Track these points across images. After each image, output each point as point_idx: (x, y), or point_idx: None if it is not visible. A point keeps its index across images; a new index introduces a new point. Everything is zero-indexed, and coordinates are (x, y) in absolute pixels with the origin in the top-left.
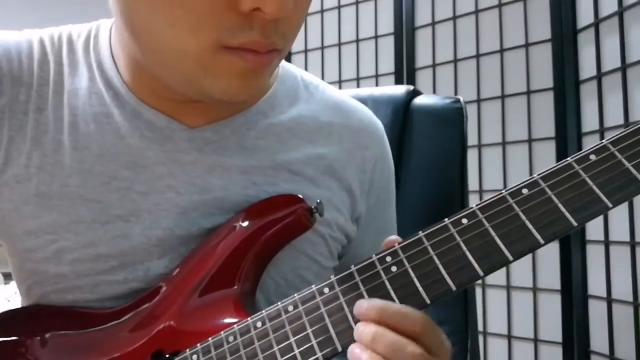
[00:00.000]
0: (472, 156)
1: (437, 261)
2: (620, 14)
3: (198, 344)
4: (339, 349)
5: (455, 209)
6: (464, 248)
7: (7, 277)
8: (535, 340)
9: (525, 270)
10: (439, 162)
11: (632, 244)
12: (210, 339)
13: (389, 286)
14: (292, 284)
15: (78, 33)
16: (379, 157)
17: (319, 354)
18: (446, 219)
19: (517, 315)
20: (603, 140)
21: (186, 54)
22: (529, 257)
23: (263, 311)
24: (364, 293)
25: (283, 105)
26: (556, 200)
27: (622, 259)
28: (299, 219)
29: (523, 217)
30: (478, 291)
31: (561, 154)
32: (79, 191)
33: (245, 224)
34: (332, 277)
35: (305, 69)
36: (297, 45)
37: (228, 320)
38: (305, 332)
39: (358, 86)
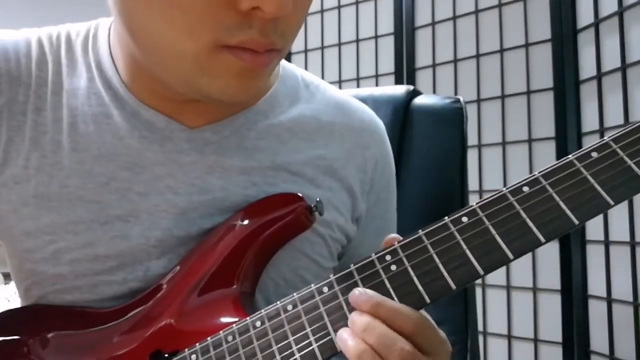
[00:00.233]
0: (472, 156)
1: (436, 260)
2: (620, 14)
3: (197, 344)
4: (338, 348)
5: (455, 209)
6: (464, 246)
7: (7, 277)
8: (535, 340)
9: (525, 270)
10: (439, 162)
11: (632, 244)
12: (209, 338)
13: (388, 285)
14: (292, 284)
15: (77, 32)
16: (379, 157)
17: (318, 353)
18: (446, 217)
19: (517, 315)
20: (605, 138)
21: (184, 54)
22: (529, 257)
23: (262, 310)
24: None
25: (283, 106)
26: (557, 198)
27: (622, 259)
28: (298, 217)
29: (524, 215)
30: (478, 291)
31: (561, 154)
32: (78, 192)
33: (245, 223)
34: (331, 276)
35: (305, 69)
36: (297, 45)
37: (227, 319)
38: (304, 332)
39: (358, 86)
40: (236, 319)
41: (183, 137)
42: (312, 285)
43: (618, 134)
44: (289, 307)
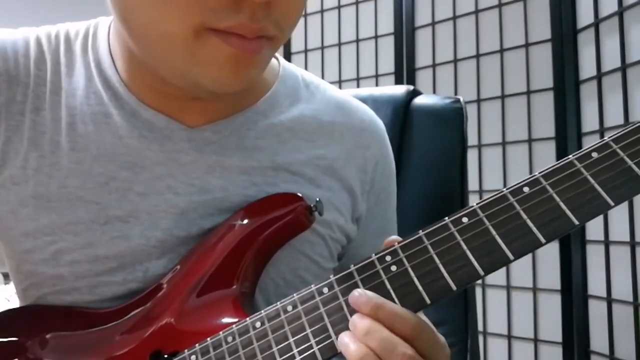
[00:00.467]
0: (472, 156)
1: (437, 260)
2: (620, 14)
3: (196, 345)
4: (339, 349)
5: (455, 209)
6: (464, 247)
7: (7, 277)
8: (535, 340)
9: (525, 270)
10: (439, 162)
11: (632, 244)
12: (208, 339)
13: (388, 286)
14: (292, 285)
15: (76, 31)
16: (380, 157)
17: (318, 354)
18: (446, 217)
19: (517, 315)
20: (605, 138)
21: (173, 38)
22: (529, 257)
23: (262, 311)
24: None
25: (283, 105)
26: (557, 199)
27: (622, 259)
28: (298, 217)
29: (524, 215)
30: (478, 291)
31: (561, 154)
32: (78, 192)
33: (244, 222)
34: (331, 276)
35: (305, 69)
36: (297, 45)
37: (227, 320)
38: (304, 333)
39: (358, 86)
40: (236, 320)
41: (183, 136)
42: (312, 285)
43: (618, 134)
44: (289, 308)
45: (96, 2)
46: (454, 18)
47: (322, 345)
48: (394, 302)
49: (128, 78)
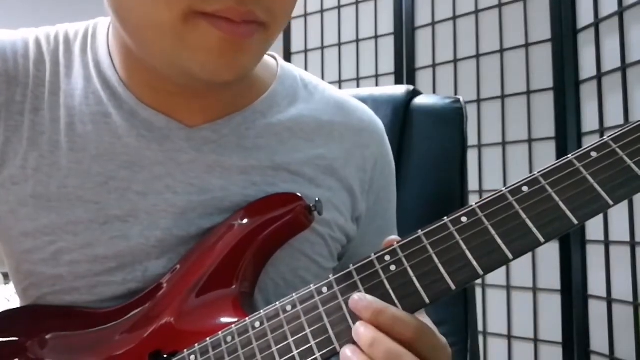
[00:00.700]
0: (472, 156)
1: (436, 260)
2: (620, 14)
3: (196, 344)
4: (338, 349)
5: (455, 209)
6: (464, 247)
7: (7, 277)
8: (535, 340)
9: (525, 270)
10: (439, 162)
11: (632, 244)
12: (208, 339)
13: (387, 285)
14: (292, 285)
15: (75, 32)
16: (379, 157)
17: (318, 354)
18: (445, 217)
19: (517, 315)
20: (604, 137)
21: (162, 26)
22: (528, 257)
23: (261, 311)
24: (363, 292)
25: (282, 105)
26: (557, 198)
27: (622, 259)
28: (297, 217)
29: (523, 215)
30: (478, 291)
31: (561, 154)
32: (77, 192)
33: (243, 222)
34: (330, 276)
35: (305, 69)
36: (297, 45)
37: (226, 320)
38: (303, 332)
39: (358, 86)
40: (235, 320)
41: (182, 135)
42: (311, 285)
43: (617, 134)
44: (288, 308)
45: (96, 2)
46: (454, 18)
47: (321, 345)
48: (393, 301)
49: (126, 77)
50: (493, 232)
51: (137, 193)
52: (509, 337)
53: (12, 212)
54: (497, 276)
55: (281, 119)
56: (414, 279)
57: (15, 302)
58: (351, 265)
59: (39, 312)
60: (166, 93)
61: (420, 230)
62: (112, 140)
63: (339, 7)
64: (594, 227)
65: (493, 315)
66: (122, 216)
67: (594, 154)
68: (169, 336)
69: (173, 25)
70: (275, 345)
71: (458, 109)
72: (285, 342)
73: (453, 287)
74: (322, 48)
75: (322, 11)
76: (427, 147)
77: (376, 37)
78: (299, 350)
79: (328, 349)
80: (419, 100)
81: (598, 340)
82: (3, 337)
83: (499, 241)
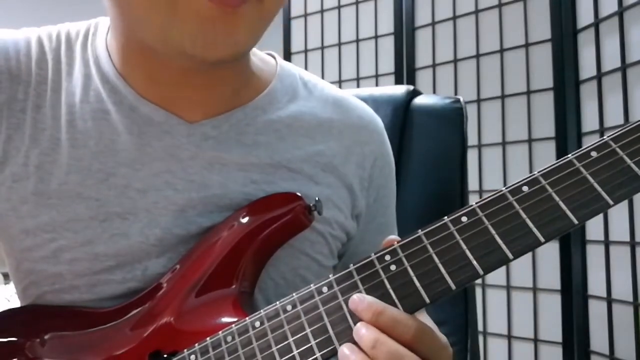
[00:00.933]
0: (472, 156)
1: (436, 260)
2: (620, 14)
3: (196, 344)
4: (338, 349)
5: (455, 209)
6: (464, 246)
7: (7, 277)
8: (535, 340)
9: (525, 270)
10: (439, 162)
11: (632, 244)
12: (208, 338)
13: (388, 285)
14: (292, 284)
15: (77, 31)
16: (378, 154)
17: (318, 354)
18: (445, 217)
19: (517, 315)
20: (604, 137)
21: None
22: (528, 257)
23: (261, 311)
24: (363, 292)
25: (281, 102)
26: (557, 198)
27: (622, 259)
28: (297, 216)
29: (523, 215)
30: (478, 291)
31: (561, 154)
32: (77, 189)
33: (243, 222)
34: (330, 276)
35: (305, 69)
36: (297, 45)
37: (226, 319)
38: (304, 332)
39: (358, 86)
40: (235, 319)
41: (182, 131)
42: (311, 285)
43: (617, 133)
44: (289, 308)
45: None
46: (454, 18)
47: (321, 344)
48: (393, 301)
49: (126, 72)
50: (493, 231)
51: (137, 190)
52: (509, 337)
53: (13, 209)
54: (497, 276)
55: (281, 115)
56: (414, 278)
57: (15, 302)
58: (351, 264)
59: (38, 312)
60: (165, 85)
61: (420, 230)
62: (112, 136)
63: (339, 7)
64: (594, 227)
65: (493, 315)
66: (122, 213)
67: (594, 154)
68: (169, 336)
69: None
70: (276, 345)
71: (458, 109)
72: (286, 342)
73: (453, 286)
74: (322, 48)
75: (322, 11)
76: (427, 147)
77: (376, 37)
78: (299, 350)
79: (328, 348)
80: (419, 100)
81: (598, 340)
82: (3, 337)
83: (499, 241)
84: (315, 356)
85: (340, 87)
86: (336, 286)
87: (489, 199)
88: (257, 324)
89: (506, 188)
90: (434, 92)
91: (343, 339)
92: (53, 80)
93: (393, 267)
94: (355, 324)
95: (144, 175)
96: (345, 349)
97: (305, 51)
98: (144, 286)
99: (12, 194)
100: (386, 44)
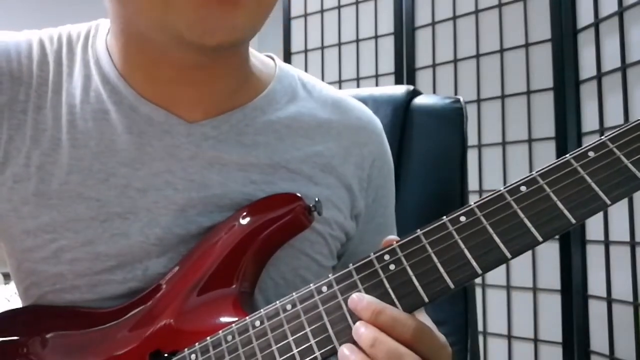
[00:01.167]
0: (472, 156)
1: (435, 259)
2: (620, 14)
3: (196, 344)
4: (337, 348)
5: (455, 209)
6: (462, 246)
7: (7, 277)
8: (535, 340)
9: (525, 270)
10: (439, 162)
11: (632, 244)
12: (208, 338)
13: (387, 285)
14: (292, 284)
15: (77, 33)
16: (377, 155)
17: (318, 353)
18: (444, 216)
19: (517, 315)
20: (602, 137)
21: None
22: (529, 256)
23: (261, 310)
24: (362, 292)
25: (281, 103)
26: (554, 198)
27: (622, 259)
28: (297, 217)
29: (521, 214)
30: (478, 291)
31: (561, 153)
32: (78, 189)
33: (244, 222)
34: (330, 275)
35: (305, 69)
36: (297, 45)
37: (226, 319)
38: (303, 331)
39: (358, 86)
40: (235, 319)
41: (182, 131)
42: (311, 284)
43: (615, 133)
44: (288, 307)
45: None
46: (454, 18)
47: (321, 344)
48: (392, 300)
49: (126, 71)
50: (491, 231)
51: (137, 190)
52: (509, 337)
53: (14, 210)
54: (497, 276)
55: (280, 116)
56: (413, 278)
57: (15, 302)
58: (350, 264)
59: (39, 312)
60: (165, 83)
61: (419, 230)
62: (112, 136)
63: (339, 7)
64: (594, 227)
65: (493, 315)
66: (122, 213)
67: (591, 154)
68: (170, 336)
69: None
70: (275, 344)
71: (458, 109)
72: (285, 341)
73: (452, 286)
74: (322, 48)
75: (322, 11)
76: (427, 147)
77: (376, 37)
78: (298, 349)
79: (328, 347)
80: (419, 100)
81: (598, 340)
82: (4, 337)
83: (497, 240)
84: (314, 355)
85: (340, 87)
86: (335, 285)
87: (487, 198)
88: (257, 323)
89: (504, 188)
90: (434, 92)
91: (342, 338)
92: (54, 81)
93: (392, 267)
94: (354, 323)
95: (144, 174)
96: (344, 349)
97: (305, 51)
98: (144, 286)
99: (13, 195)
100: (386, 44)
